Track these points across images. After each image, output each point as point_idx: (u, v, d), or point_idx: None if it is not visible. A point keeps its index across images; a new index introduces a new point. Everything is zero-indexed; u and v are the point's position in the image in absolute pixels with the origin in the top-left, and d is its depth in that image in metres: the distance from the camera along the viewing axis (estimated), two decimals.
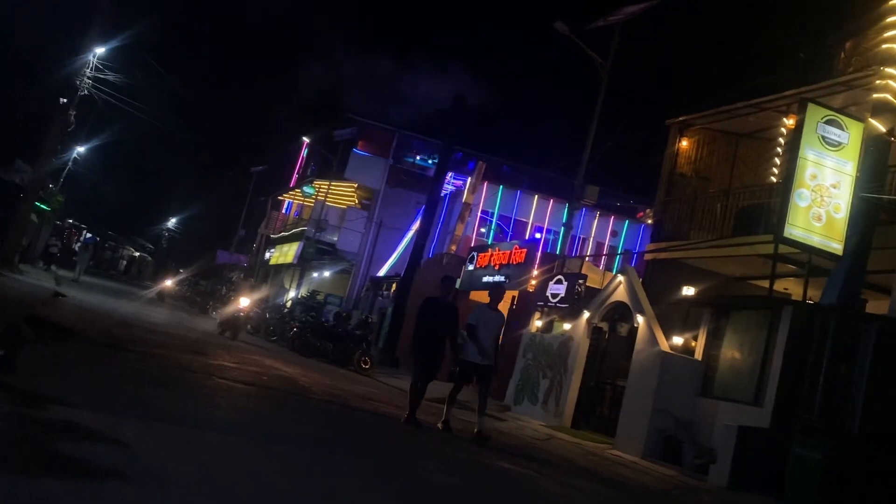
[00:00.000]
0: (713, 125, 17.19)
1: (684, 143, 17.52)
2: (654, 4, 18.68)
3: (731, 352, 12.88)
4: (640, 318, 14.18)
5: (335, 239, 37.48)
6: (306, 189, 40.49)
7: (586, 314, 15.91)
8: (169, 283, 37.20)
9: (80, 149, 36.61)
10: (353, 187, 37.99)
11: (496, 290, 12.22)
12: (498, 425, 13.67)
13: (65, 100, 24.08)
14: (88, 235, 53.50)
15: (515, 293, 20.06)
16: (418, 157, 38.08)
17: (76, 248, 46.35)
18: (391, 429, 10.41)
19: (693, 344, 13.99)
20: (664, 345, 13.48)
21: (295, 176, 45.28)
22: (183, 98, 35.53)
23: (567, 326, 16.72)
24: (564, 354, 16.11)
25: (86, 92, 24.68)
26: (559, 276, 17.70)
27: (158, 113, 29.96)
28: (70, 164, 36.00)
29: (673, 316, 14.93)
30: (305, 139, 44.87)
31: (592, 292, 16.84)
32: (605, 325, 15.98)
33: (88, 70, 24.50)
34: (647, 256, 17.41)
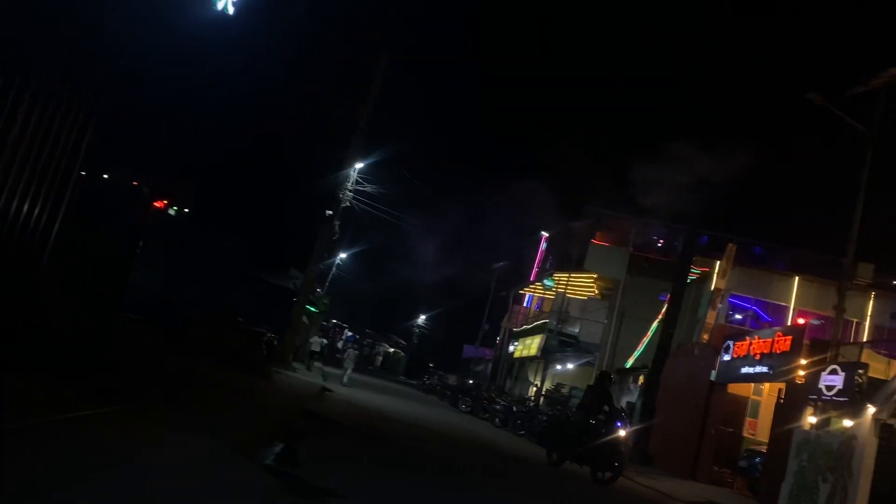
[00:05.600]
0: None
1: None
2: None
3: None
4: None
5: (577, 330, 37.06)
6: (546, 282, 40.79)
7: (871, 409, 13.95)
8: None
9: (343, 255, 40.23)
10: (592, 278, 37.60)
11: None
12: None
13: (330, 212, 26.77)
14: (349, 334, 57.94)
15: (782, 386, 18.26)
16: (660, 244, 36.97)
17: (339, 346, 50.36)
18: None
19: None
20: None
21: (535, 270, 45.92)
22: (432, 202, 37.95)
23: (848, 423, 14.76)
24: (847, 456, 14.17)
25: (348, 203, 27.27)
26: (834, 366, 15.80)
27: (410, 216, 32.11)
28: (334, 268, 39.62)
29: None
30: (544, 233, 45.61)
31: (876, 383, 14.78)
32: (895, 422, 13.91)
33: (350, 184, 27.13)
34: None
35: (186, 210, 38.10)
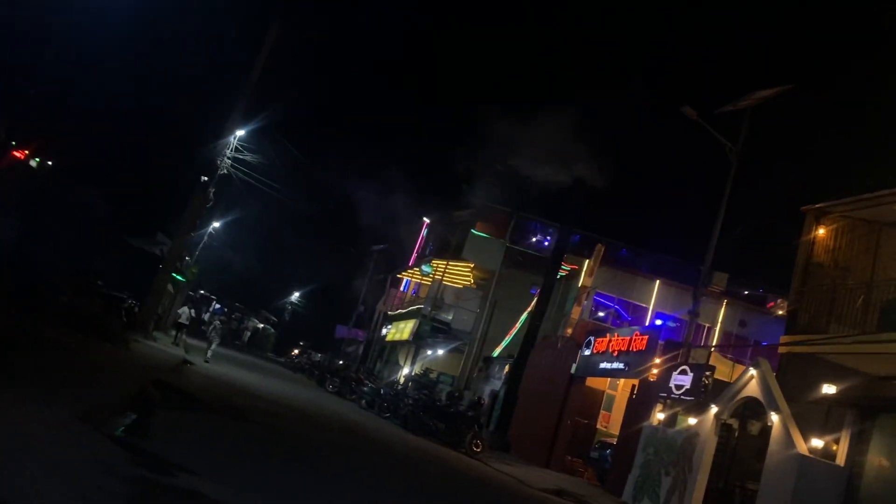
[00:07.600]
0: (853, 213, 16.13)
1: (821, 232, 16.51)
2: (787, 90, 18.08)
3: (879, 459, 11.71)
4: (774, 417, 13.18)
5: (450, 318, 37.53)
6: (424, 268, 41.05)
7: (714, 409, 14.97)
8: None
9: (216, 224, 38.79)
10: (469, 267, 38.19)
11: None
12: None
13: (206, 178, 25.70)
14: (217, 306, 56.06)
15: (635, 382, 19.24)
16: (535, 239, 37.97)
17: (205, 318, 48.61)
18: None
19: (834, 448, 12.82)
20: (802, 447, 12.42)
21: (414, 255, 46.07)
22: (311, 178, 37.14)
23: (692, 421, 15.78)
24: (689, 451, 15.15)
25: (225, 171, 26.27)
26: (684, 367, 16.83)
27: (288, 190, 31.30)
28: (205, 238, 38.14)
29: (810, 416, 13.77)
30: (426, 219, 45.80)
31: (721, 385, 15.86)
32: (734, 422, 14.95)
33: (229, 151, 26.14)
34: (782, 349, 16.26)
35: (49, 163, 35.57)
